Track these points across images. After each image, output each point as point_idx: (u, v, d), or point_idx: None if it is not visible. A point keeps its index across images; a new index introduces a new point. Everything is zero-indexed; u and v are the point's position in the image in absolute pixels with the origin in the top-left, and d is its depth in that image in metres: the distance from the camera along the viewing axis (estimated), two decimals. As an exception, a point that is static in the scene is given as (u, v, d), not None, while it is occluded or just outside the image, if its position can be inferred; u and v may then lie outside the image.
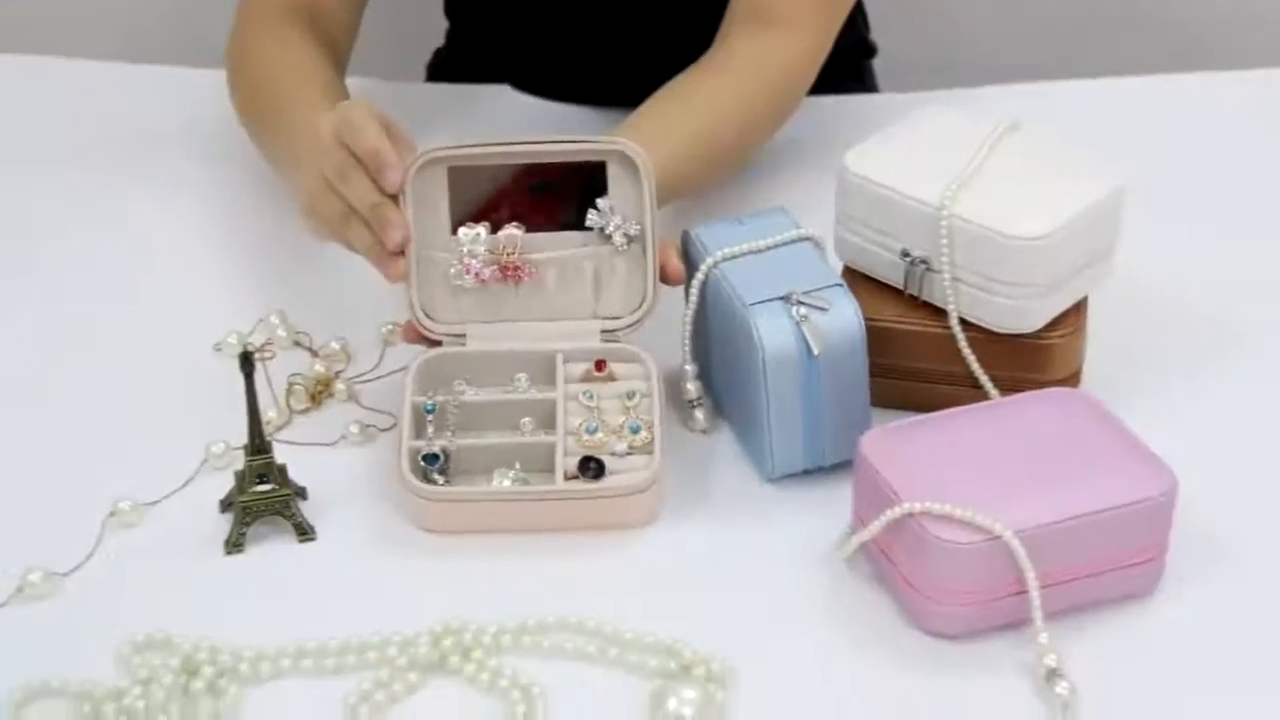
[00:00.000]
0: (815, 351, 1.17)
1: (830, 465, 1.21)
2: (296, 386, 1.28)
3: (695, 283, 1.23)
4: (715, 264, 1.22)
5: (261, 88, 1.39)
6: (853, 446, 1.13)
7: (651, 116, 1.33)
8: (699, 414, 1.26)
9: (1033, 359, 1.22)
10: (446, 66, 1.74)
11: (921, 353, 1.24)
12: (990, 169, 1.23)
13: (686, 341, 1.25)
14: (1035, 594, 1.06)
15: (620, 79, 1.53)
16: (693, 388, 1.25)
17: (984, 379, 1.22)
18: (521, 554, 1.16)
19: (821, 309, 1.18)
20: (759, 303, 1.18)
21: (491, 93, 1.62)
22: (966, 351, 1.22)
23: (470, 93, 1.63)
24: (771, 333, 1.17)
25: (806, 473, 1.21)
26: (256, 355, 1.14)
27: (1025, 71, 1.72)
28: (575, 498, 1.16)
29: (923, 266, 1.22)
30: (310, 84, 1.35)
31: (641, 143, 1.22)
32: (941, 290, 1.22)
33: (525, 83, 1.63)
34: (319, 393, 1.29)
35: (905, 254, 1.23)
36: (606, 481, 1.17)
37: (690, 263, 1.25)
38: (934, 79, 1.62)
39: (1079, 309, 1.24)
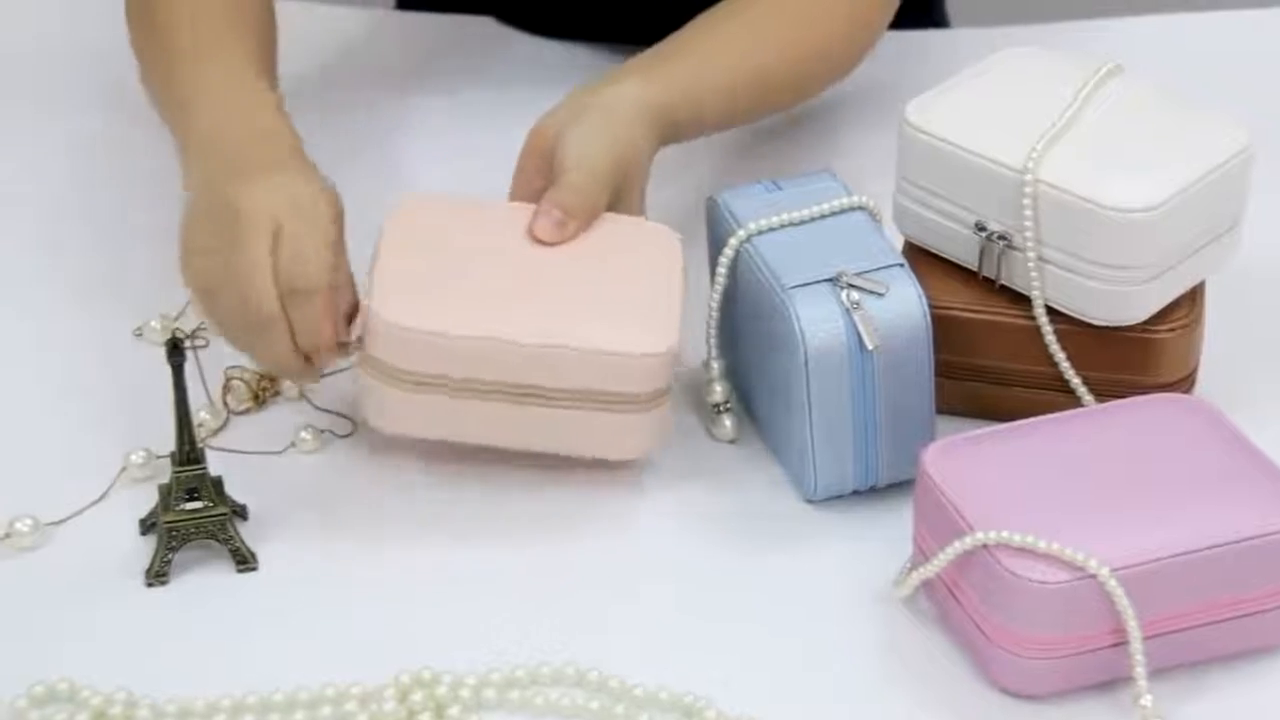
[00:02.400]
0: (869, 345, 1.17)
1: (886, 485, 1.21)
2: (235, 382, 1.29)
3: (723, 261, 1.23)
4: (747, 238, 1.22)
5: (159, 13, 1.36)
6: (913, 462, 1.13)
7: (689, 44, 1.33)
8: (726, 421, 1.26)
9: (1136, 357, 1.23)
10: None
11: (999, 348, 1.24)
12: (1086, 123, 1.23)
13: (711, 333, 1.25)
14: (1138, 645, 1.07)
15: (631, 11, 1.53)
16: (719, 389, 1.26)
17: (1075, 381, 1.23)
18: (510, 584, 1.16)
19: (877, 294, 1.18)
20: (800, 286, 1.18)
21: (472, 25, 1.63)
22: (1054, 347, 1.23)
23: (447, 24, 1.63)
24: (815, 322, 1.17)
25: (857, 494, 1.22)
26: (187, 343, 1.14)
27: (1130, 3, 1.72)
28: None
29: (1002, 243, 1.22)
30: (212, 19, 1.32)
31: (673, 71, 1.26)
32: (1024, 272, 1.22)
33: (513, 14, 1.63)
34: (263, 390, 1.29)
35: (980, 227, 1.23)
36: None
37: (716, 237, 1.25)
38: (1017, 10, 1.62)
39: (1194, 297, 1.25)
